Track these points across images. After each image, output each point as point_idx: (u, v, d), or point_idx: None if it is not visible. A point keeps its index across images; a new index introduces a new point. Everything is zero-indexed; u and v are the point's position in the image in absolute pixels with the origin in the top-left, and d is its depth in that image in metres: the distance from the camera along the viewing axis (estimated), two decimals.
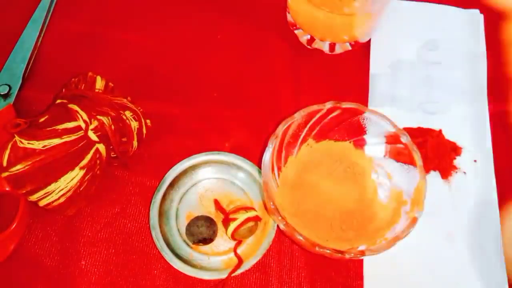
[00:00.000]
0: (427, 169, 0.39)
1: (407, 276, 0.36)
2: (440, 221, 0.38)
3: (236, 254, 0.36)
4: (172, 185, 0.38)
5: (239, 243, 0.36)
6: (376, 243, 0.32)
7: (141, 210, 0.38)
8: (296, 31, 0.46)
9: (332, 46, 0.45)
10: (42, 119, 0.34)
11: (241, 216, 0.35)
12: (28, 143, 0.32)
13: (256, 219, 0.36)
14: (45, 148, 0.33)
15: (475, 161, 0.40)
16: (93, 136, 0.34)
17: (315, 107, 0.35)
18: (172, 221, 0.37)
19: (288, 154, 0.37)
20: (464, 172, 0.40)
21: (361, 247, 0.32)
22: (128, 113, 0.37)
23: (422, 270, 0.36)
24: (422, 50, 0.46)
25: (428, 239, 0.37)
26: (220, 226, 0.37)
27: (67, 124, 0.34)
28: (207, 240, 0.36)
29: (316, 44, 0.45)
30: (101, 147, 0.35)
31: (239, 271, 0.35)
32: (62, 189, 0.34)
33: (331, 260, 0.36)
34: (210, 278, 0.35)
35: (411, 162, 0.34)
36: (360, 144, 0.38)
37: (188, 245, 0.37)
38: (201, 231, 0.36)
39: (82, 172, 0.34)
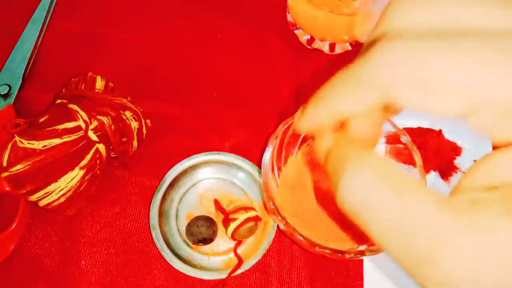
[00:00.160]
0: (427, 169, 0.39)
1: (407, 276, 0.36)
2: None
3: (236, 254, 0.36)
4: (172, 185, 0.38)
5: (239, 243, 0.36)
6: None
7: (141, 210, 0.38)
8: (296, 31, 0.46)
9: (332, 46, 0.45)
10: (42, 119, 0.34)
11: (241, 216, 0.35)
12: (28, 143, 0.32)
13: (256, 219, 0.36)
14: (45, 148, 0.33)
15: (475, 161, 0.40)
16: (93, 136, 0.34)
17: None
18: (172, 221, 0.37)
19: (288, 154, 0.37)
20: (464, 172, 0.40)
21: (361, 247, 0.32)
22: (128, 113, 0.37)
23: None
24: None
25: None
26: (220, 226, 0.37)
27: (67, 124, 0.34)
28: (207, 240, 0.36)
29: (316, 44, 0.45)
30: (101, 147, 0.35)
31: (239, 271, 0.35)
32: (62, 189, 0.34)
33: (331, 260, 0.36)
34: (210, 278, 0.35)
35: (411, 162, 0.34)
36: None
37: (188, 245, 0.37)
38: (201, 231, 0.36)
39: (82, 172, 0.34)
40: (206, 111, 0.43)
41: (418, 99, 0.15)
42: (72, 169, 0.34)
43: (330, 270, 0.36)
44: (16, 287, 0.35)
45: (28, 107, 0.41)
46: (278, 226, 0.36)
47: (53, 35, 0.46)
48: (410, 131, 0.39)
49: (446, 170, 0.40)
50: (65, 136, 0.33)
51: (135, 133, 0.37)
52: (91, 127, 0.34)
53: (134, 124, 0.37)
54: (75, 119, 0.34)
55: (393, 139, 0.35)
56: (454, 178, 0.40)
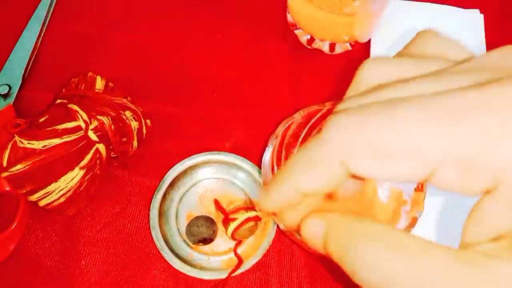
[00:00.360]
0: None
1: None
2: (440, 221, 0.38)
3: (236, 254, 0.36)
4: (172, 185, 0.38)
5: (239, 243, 0.36)
6: None
7: (141, 210, 0.38)
8: (296, 31, 0.46)
9: (332, 46, 0.45)
10: (42, 119, 0.34)
11: (241, 216, 0.35)
12: (28, 143, 0.32)
13: (256, 219, 0.36)
14: (45, 148, 0.33)
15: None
16: (93, 136, 0.34)
17: (315, 107, 0.35)
18: (172, 221, 0.37)
19: (288, 154, 0.37)
20: None
21: None
22: (128, 113, 0.37)
23: None
24: None
25: (428, 239, 0.37)
26: (220, 226, 0.37)
27: (67, 124, 0.34)
28: (207, 240, 0.36)
29: (316, 44, 0.45)
30: (101, 147, 0.35)
31: (239, 271, 0.35)
32: (62, 189, 0.34)
33: (331, 260, 0.36)
34: (210, 278, 0.35)
35: None
36: None
37: (188, 245, 0.37)
38: (201, 231, 0.36)
39: (82, 172, 0.34)
40: (206, 111, 0.43)
41: (376, 170, 0.15)
42: (72, 169, 0.34)
43: (330, 270, 0.36)
44: (16, 287, 0.35)
45: (28, 107, 0.41)
46: (278, 226, 0.36)
47: (53, 35, 0.46)
48: None
49: None
50: (65, 136, 0.33)
51: (135, 133, 0.37)
52: (91, 127, 0.34)
53: (134, 124, 0.37)
54: (75, 119, 0.34)
55: None
56: None
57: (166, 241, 0.36)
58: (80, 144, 0.34)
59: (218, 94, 0.44)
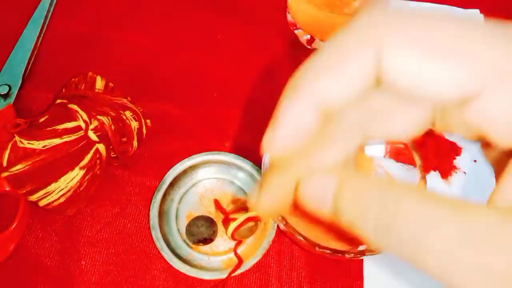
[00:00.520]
0: (427, 169, 0.39)
1: (407, 276, 0.36)
2: None
3: (236, 254, 0.36)
4: (172, 185, 0.38)
5: (239, 243, 0.36)
6: None
7: (141, 210, 0.38)
8: (296, 31, 0.46)
9: None
10: (42, 119, 0.34)
11: (241, 216, 0.35)
12: (28, 143, 0.32)
13: (256, 219, 0.36)
14: (45, 148, 0.33)
15: (475, 161, 0.40)
16: (93, 136, 0.34)
17: None
18: (172, 221, 0.37)
19: None
20: (464, 172, 0.40)
21: (361, 247, 0.32)
22: (128, 113, 0.37)
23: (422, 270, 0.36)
24: None
25: None
26: (220, 226, 0.37)
27: (67, 124, 0.34)
28: (207, 240, 0.36)
29: (316, 44, 0.45)
30: (101, 147, 0.35)
31: (239, 271, 0.35)
32: (62, 189, 0.34)
33: (331, 260, 0.36)
34: (210, 278, 0.35)
35: (411, 162, 0.34)
36: None
37: (188, 245, 0.37)
38: (201, 231, 0.36)
39: (82, 172, 0.34)
40: (206, 111, 0.43)
41: (414, 64, 0.12)
42: (72, 169, 0.34)
43: (330, 270, 0.36)
44: (16, 287, 0.35)
45: (28, 107, 0.41)
46: (278, 226, 0.36)
47: (53, 35, 0.46)
48: None
49: (446, 170, 0.40)
50: (65, 136, 0.33)
51: (135, 133, 0.37)
52: (91, 127, 0.34)
53: (134, 124, 0.37)
54: (75, 119, 0.34)
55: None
56: (454, 178, 0.40)
57: (166, 241, 0.36)
58: (80, 144, 0.34)
59: (218, 94, 0.44)
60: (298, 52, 0.46)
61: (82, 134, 0.34)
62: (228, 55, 0.46)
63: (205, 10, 0.48)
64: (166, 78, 0.44)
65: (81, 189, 0.35)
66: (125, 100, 0.38)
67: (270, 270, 0.36)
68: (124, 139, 0.37)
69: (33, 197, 0.33)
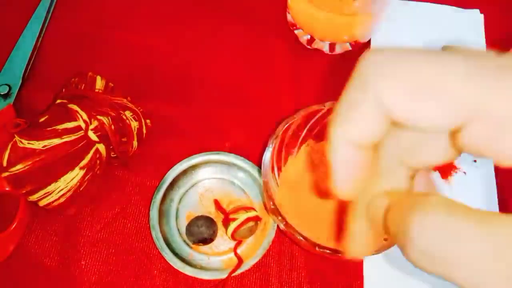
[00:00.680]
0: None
1: (407, 276, 0.36)
2: None
3: (236, 254, 0.36)
4: (172, 185, 0.38)
5: (239, 243, 0.36)
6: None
7: (141, 210, 0.38)
8: (296, 31, 0.46)
9: (332, 46, 0.45)
10: (42, 119, 0.34)
11: (241, 216, 0.35)
12: (28, 143, 0.32)
13: (256, 219, 0.36)
14: (45, 148, 0.33)
15: (475, 161, 0.40)
16: (93, 136, 0.34)
17: (315, 107, 0.35)
18: (172, 221, 0.37)
19: (288, 154, 0.37)
20: (464, 172, 0.40)
21: None
22: (128, 113, 0.37)
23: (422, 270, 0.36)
24: None
25: None
26: (220, 226, 0.37)
27: (67, 124, 0.34)
28: (207, 240, 0.36)
29: (316, 44, 0.45)
30: (101, 147, 0.35)
31: (239, 271, 0.35)
32: (62, 189, 0.34)
33: (331, 260, 0.36)
34: (210, 278, 0.35)
35: None
36: None
37: (188, 245, 0.37)
38: (201, 231, 0.36)
39: (82, 172, 0.34)
40: (206, 111, 0.43)
41: (408, 106, 0.15)
42: (72, 169, 0.34)
43: (330, 270, 0.36)
44: (16, 287, 0.35)
45: (28, 107, 0.41)
46: (278, 226, 0.36)
47: (53, 35, 0.46)
48: None
49: (446, 170, 0.40)
50: (65, 136, 0.33)
51: (135, 133, 0.37)
52: (91, 127, 0.34)
53: (134, 124, 0.37)
54: (75, 119, 0.34)
55: None
56: (454, 178, 0.40)
57: (166, 241, 0.36)
58: (80, 144, 0.34)
59: (218, 94, 0.44)
60: (298, 52, 0.46)
61: (82, 134, 0.34)
62: (228, 55, 0.46)
63: (205, 10, 0.48)
64: (166, 78, 0.44)
65: (81, 189, 0.35)
66: (125, 100, 0.38)
67: (270, 270, 0.36)
68: (124, 139, 0.37)
69: (33, 197, 0.33)
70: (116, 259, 0.36)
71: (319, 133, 0.37)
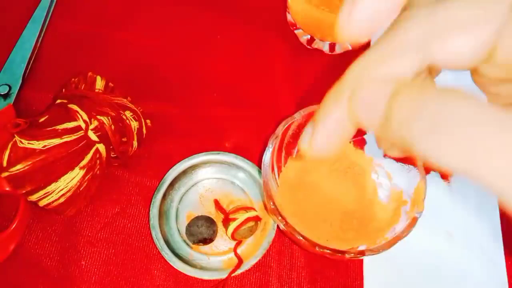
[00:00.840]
0: (427, 169, 0.39)
1: (407, 276, 0.36)
2: (440, 221, 0.38)
3: (236, 254, 0.36)
4: (172, 185, 0.38)
5: (239, 243, 0.36)
6: (376, 243, 0.32)
7: (141, 210, 0.38)
8: (296, 31, 0.46)
9: (332, 46, 0.45)
10: (42, 119, 0.34)
11: (241, 216, 0.35)
12: (28, 143, 0.32)
13: (256, 219, 0.36)
14: (45, 148, 0.33)
15: None
16: (93, 136, 0.34)
17: (315, 107, 0.35)
18: (172, 221, 0.37)
19: (288, 154, 0.37)
20: None
21: (361, 247, 0.32)
22: (128, 113, 0.37)
23: (422, 270, 0.36)
24: None
25: (428, 239, 0.37)
26: (220, 226, 0.37)
27: (67, 124, 0.34)
28: (207, 240, 0.36)
29: (316, 44, 0.45)
30: (101, 147, 0.35)
31: (239, 271, 0.35)
32: (62, 189, 0.34)
33: (331, 260, 0.36)
34: (210, 278, 0.35)
35: (411, 162, 0.34)
36: (360, 144, 0.38)
37: (188, 245, 0.37)
38: (201, 231, 0.36)
39: (82, 172, 0.34)
40: (206, 111, 0.43)
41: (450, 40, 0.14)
42: (72, 169, 0.34)
43: (330, 270, 0.36)
44: (16, 287, 0.35)
45: (28, 107, 0.41)
46: (278, 226, 0.36)
47: (53, 35, 0.46)
48: None
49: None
50: (65, 136, 0.33)
51: (135, 133, 0.37)
52: (91, 127, 0.34)
53: (134, 124, 0.37)
54: (75, 119, 0.34)
55: None
56: (454, 178, 0.40)
57: (166, 241, 0.36)
58: (80, 144, 0.34)
59: (218, 94, 0.44)
60: (298, 52, 0.46)
61: (82, 134, 0.34)
62: (228, 55, 0.46)
63: (205, 10, 0.48)
64: (166, 78, 0.44)
65: (81, 189, 0.35)
66: (125, 100, 0.38)
67: (270, 270, 0.36)
68: (124, 139, 0.37)
69: (33, 197, 0.33)
70: (116, 259, 0.36)
71: None
